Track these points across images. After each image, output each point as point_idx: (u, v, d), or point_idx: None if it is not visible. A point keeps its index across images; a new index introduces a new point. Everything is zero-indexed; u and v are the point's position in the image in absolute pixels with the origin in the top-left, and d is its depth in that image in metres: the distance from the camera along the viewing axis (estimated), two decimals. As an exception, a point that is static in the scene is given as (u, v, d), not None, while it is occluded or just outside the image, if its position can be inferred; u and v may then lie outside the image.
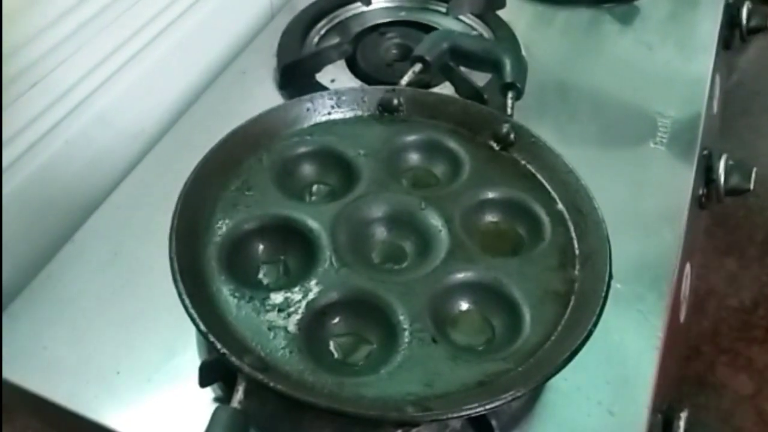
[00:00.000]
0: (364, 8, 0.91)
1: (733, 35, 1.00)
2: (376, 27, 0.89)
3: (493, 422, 0.50)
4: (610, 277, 0.52)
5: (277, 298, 0.51)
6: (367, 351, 0.52)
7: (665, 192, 0.71)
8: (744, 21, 0.99)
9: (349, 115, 0.66)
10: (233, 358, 0.45)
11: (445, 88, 0.77)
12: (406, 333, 0.50)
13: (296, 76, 0.80)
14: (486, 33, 0.88)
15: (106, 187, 0.70)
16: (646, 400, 0.55)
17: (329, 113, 0.65)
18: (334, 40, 0.87)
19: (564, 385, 0.55)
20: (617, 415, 0.54)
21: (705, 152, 0.78)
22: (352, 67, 0.83)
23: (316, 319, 0.51)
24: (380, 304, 0.52)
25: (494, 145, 0.64)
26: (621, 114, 0.80)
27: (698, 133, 0.77)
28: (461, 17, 0.90)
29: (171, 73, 0.79)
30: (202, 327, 0.47)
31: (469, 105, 0.67)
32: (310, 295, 0.52)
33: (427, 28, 0.87)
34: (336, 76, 0.81)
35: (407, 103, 0.66)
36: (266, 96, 0.79)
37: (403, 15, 0.91)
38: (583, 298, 0.52)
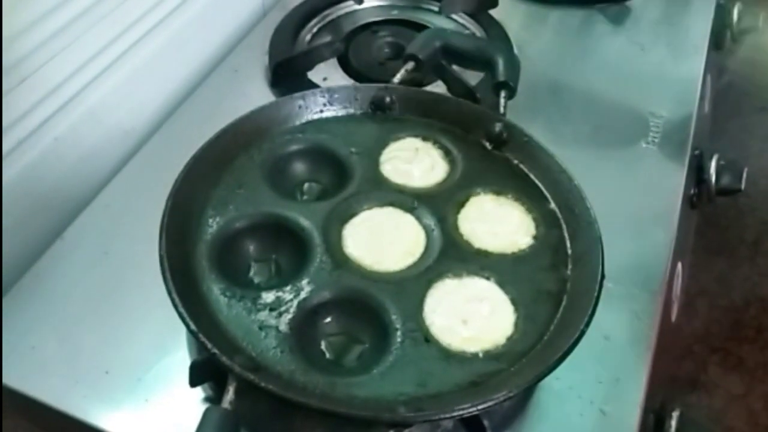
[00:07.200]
0: (356, 6, 0.91)
1: (724, 36, 1.00)
2: (368, 25, 0.89)
3: (486, 422, 0.50)
4: (602, 276, 0.52)
5: (268, 297, 0.51)
6: (359, 351, 0.52)
7: (657, 192, 0.71)
8: (735, 22, 0.99)
9: (341, 113, 0.66)
10: (224, 358, 0.45)
11: (438, 87, 0.77)
12: (399, 333, 0.50)
13: (288, 74, 0.80)
14: (478, 32, 0.88)
15: (95, 185, 0.69)
16: (638, 400, 0.55)
17: (321, 111, 0.65)
18: (326, 38, 0.87)
19: (556, 385, 0.55)
20: (609, 414, 0.54)
21: (696, 152, 0.78)
22: (344, 66, 0.83)
23: (307, 318, 0.51)
24: (372, 304, 0.52)
25: (487, 144, 0.64)
26: (613, 114, 0.80)
27: (690, 133, 0.77)
28: (453, 16, 0.90)
29: (162, 70, 0.79)
30: (192, 326, 0.46)
31: (462, 104, 0.66)
32: (302, 295, 0.51)
33: (420, 27, 0.87)
34: (328, 74, 0.81)
35: (400, 101, 0.66)
36: (258, 94, 0.79)
37: (395, 13, 0.91)
38: (575, 298, 0.52)
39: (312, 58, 0.81)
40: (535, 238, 0.57)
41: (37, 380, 0.55)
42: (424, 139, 0.64)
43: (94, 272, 0.62)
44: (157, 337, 0.57)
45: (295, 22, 0.87)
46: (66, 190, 0.69)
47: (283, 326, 0.50)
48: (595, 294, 0.51)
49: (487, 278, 0.54)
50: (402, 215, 0.58)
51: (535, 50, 0.87)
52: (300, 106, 0.64)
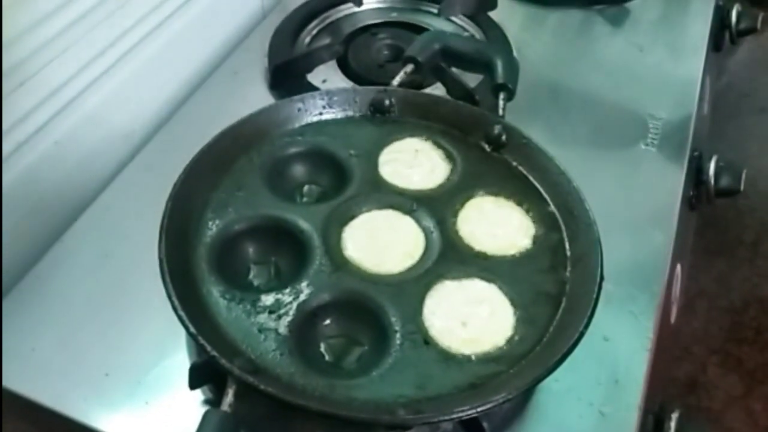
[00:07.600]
0: (356, 9, 0.91)
1: (723, 37, 1.00)
2: (367, 28, 0.89)
3: (485, 424, 0.50)
4: (602, 278, 0.52)
5: (267, 299, 0.51)
6: (359, 353, 0.52)
7: (656, 193, 0.71)
8: (734, 23, 0.99)
9: (340, 115, 0.66)
10: (223, 361, 0.45)
11: (437, 89, 0.77)
12: (398, 335, 0.50)
13: (287, 77, 0.80)
14: (477, 34, 0.88)
15: (95, 188, 0.69)
16: (637, 401, 0.55)
17: (320, 114, 0.65)
18: (326, 40, 0.87)
19: (555, 386, 0.55)
20: (608, 415, 0.54)
21: (695, 154, 0.78)
22: (343, 68, 0.83)
23: (307, 320, 0.51)
24: (372, 306, 0.52)
25: (486, 146, 0.64)
26: (612, 115, 0.80)
27: (689, 135, 0.77)
28: (452, 18, 0.90)
29: (161, 72, 0.79)
30: (192, 329, 0.46)
31: (461, 106, 0.67)
32: (301, 297, 0.52)
33: (419, 29, 0.87)
34: (327, 76, 0.81)
35: (399, 103, 0.66)
36: (257, 96, 0.79)
37: (394, 16, 0.91)
38: (574, 300, 0.52)
39: (311, 60, 0.82)
40: (534, 239, 0.57)
41: (37, 382, 0.55)
42: (424, 139, 0.64)
43: (93, 275, 0.62)
44: (157, 339, 0.57)
45: (295, 24, 0.87)
46: (66, 192, 0.69)
47: (283, 329, 0.50)
48: (594, 295, 0.51)
49: (487, 280, 0.54)
50: (401, 217, 0.58)
51: (534, 52, 0.87)
52: (299, 109, 0.64)
